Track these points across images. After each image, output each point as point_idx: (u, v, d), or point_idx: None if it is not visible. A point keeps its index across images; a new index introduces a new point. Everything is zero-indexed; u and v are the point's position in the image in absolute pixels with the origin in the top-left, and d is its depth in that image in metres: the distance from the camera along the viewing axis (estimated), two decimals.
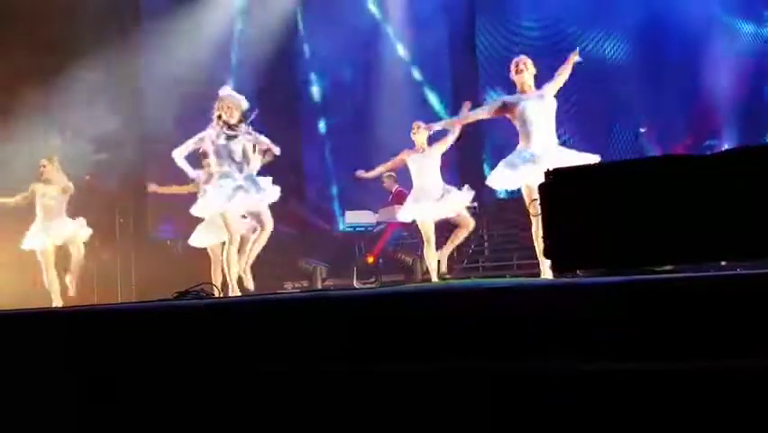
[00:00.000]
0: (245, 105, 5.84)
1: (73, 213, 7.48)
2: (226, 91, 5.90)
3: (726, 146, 9.58)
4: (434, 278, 6.52)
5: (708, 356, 1.64)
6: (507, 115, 5.62)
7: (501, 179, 5.61)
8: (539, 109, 5.50)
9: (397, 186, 9.72)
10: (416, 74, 12.75)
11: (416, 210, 6.54)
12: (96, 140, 9.92)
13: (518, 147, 5.57)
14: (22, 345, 2.47)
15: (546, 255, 2.87)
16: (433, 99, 12.64)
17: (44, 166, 7.28)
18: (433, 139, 6.61)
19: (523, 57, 5.67)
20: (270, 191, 5.76)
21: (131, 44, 10.67)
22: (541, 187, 2.87)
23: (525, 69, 5.56)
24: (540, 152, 5.39)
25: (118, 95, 10.09)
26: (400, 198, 9.51)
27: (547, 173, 2.86)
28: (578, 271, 3.04)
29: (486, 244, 10.76)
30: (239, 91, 6.03)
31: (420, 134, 6.58)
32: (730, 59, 10.31)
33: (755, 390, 1.57)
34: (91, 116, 9.80)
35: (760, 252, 2.47)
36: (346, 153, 12.65)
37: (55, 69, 9.44)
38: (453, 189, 6.52)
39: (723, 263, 4.32)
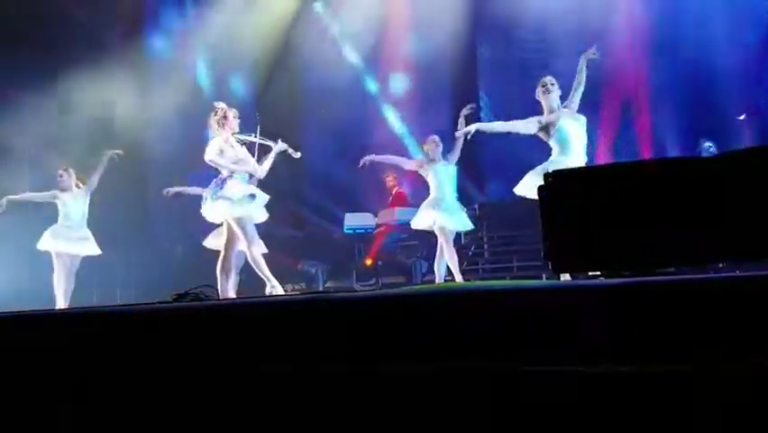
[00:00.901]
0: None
1: None
2: (222, 104, 5.90)
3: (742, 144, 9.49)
4: (439, 280, 6.58)
5: (708, 358, 1.65)
6: (541, 134, 5.65)
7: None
8: (575, 127, 5.58)
9: (398, 187, 9.73)
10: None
11: (432, 218, 6.64)
12: (96, 141, 9.92)
13: (552, 158, 5.60)
14: (21, 347, 2.47)
15: (546, 257, 2.88)
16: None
17: (61, 176, 7.40)
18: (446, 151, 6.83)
19: (549, 77, 5.75)
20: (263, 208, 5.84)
21: (133, 45, 10.69)
22: (540, 189, 2.87)
23: (552, 90, 5.63)
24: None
25: (120, 95, 10.10)
26: (401, 200, 9.53)
27: (546, 175, 2.86)
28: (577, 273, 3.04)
29: (485, 246, 10.75)
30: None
31: (437, 147, 6.74)
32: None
33: (755, 390, 1.57)
34: (92, 117, 9.82)
35: (758, 254, 2.48)
36: (347, 156, 12.64)
37: (55, 69, 9.45)
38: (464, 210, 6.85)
39: (721, 265, 4.34)
